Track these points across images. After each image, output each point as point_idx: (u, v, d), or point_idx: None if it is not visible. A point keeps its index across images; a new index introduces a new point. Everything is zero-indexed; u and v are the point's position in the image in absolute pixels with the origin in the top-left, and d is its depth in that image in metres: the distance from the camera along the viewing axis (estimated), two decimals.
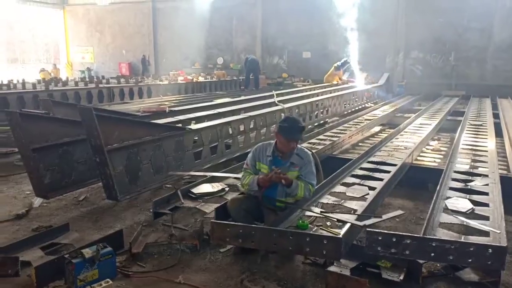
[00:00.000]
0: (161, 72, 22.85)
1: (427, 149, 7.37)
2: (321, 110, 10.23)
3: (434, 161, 6.50)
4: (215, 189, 4.68)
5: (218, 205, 4.08)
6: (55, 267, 3.19)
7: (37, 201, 4.88)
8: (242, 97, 11.53)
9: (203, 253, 3.74)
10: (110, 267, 3.23)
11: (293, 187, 3.68)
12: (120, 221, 4.46)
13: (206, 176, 5.06)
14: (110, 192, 4.23)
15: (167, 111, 7.80)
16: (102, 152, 4.00)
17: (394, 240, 3.02)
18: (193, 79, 18.34)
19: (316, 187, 4.02)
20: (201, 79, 18.81)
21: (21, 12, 26.38)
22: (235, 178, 4.98)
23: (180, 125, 6.14)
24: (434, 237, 3.13)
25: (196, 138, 5.91)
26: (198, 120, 6.93)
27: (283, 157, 3.81)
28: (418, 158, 6.55)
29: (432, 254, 2.96)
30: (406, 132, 8.22)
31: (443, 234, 3.47)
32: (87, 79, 16.81)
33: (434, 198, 4.01)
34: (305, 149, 4.03)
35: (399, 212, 4.71)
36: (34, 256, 3.48)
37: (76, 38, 28.26)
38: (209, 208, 4.25)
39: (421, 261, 3.18)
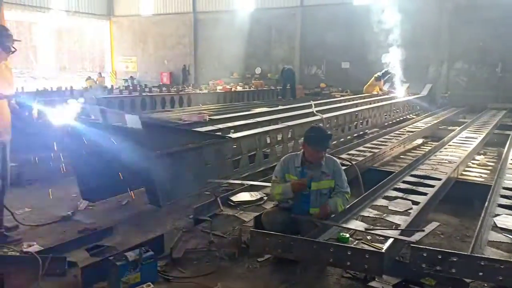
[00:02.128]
0: (200, 82, 23.32)
1: (472, 163, 7.09)
2: (361, 121, 10.08)
3: (481, 177, 6.25)
4: (254, 198, 4.69)
5: (257, 214, 4.08)
6: (99, 269, 3.30)
7: (83, 204, 5.07)
8: (280, 107, 11.56)
9: (241, 261, 3.75)
10: (151, 271, 3.30)
11: (334, 210, 3.71)
12: (161, 226, 4.55)
13: (244, 184, 5.09)
14: (152, 197, 4.34)
15: (207, 119, 7.94)
16: (147, 158, 4.11)
17: (440, 257, 2.91)
18: (231, 88, 18.59)
19: (357, 200, 3.96)
20: (239, 88, 19.03)
21: (70, 22, 27.77)
22: None
23: (219, 133, 6.23)
24: (483, 256, 2.99)
25: (235, 146, 5.97)
26: (237, 129, 7.00)
27: (313, 167, 3.77)
28: (464, 173, 6.30)
29: (480, 274, 2.82)
30: (450, 145, 7.94)
31: (492, 253, 3.31)
32: (131, 88, 17.41)
33: (482, 215, 3.83)
34: (332, 156, 4.01)
35: (436, 224, 4.58)
36: (80, 257, 3.61)
37: (120, 48, 29.39)
38: (248, 216, 4.27)
39: (468, 281, 3.04)
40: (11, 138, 4.27)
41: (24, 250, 3.80)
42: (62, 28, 27.98)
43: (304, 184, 3.69)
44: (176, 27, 26.83)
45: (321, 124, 7.97)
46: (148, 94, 14.66)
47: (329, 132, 3.88)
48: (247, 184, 5.08)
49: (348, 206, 4.02)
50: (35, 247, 3.86)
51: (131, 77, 26.94)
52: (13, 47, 4.11)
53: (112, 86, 19.99)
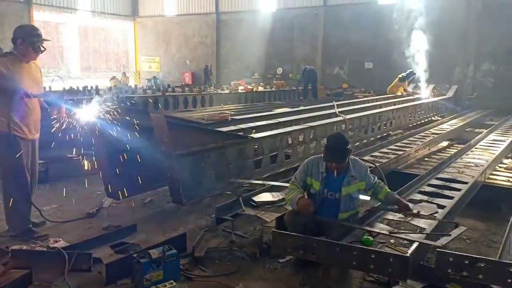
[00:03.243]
0: (222, 82, 23.42)
1: (500, 167, 6.89)
2: (384, 122, 9.93)
3: (508, 181, 6.05)
4: (276, 199, 4.70)
5: (279, 214, 4.07)
6: (123, 266, 3.35)
7: (107, 202, 5.16)
8: (301, 107, 11.49)
9: (262, 262, 3.75)
10: (174, 269, 3.33)
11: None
12: (183, 224, 4.59)
13: (265, 185, 5.09)
14: (175, 196, 4.39)
15: (229, 119, 7.96)
16: (171, 157, 4.16)
17: (467, 262, 2.85)
18: (253, 88, 18.61)
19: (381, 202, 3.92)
20: (260, 88, 19.04)
21: (96, 23, 28.36)
22: None
23: (241, 133, 6.24)
24: (511, 262, 2.90)
25: (256, 146, 5.97)
26: (259, 129, 6.99)
27: (338, 172, 3.66)
28: (491, 176, 6.13)
29: (509, 280, 2.75)
30: (477, 148, 7.74)
31: None
32: (154, 88, 17.67)
33: (511, 219, 3.73)
34: (355, 157, 3.95)
35: (463, 228, 4.48)
36: (105, 253, 3.68)
37: (144, 48, 29.83)
38: (269, 217, 4.27)
39: (495, 287, 2.96)
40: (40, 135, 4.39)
41: (51, 245, 3.89)
42: (88, 29, 28.61)
43: (310, 209, 3.57)
44: (199, 28, 27.04)
45: (345, 131, 7.87)
46: (171, 94, 14.83)
47: (346, 147, 3.63)
48: (268, 184, 5.09)
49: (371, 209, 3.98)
50: (61, 243, 3.95)
51: (154, 77, 27.29)
52: (42, 46, 4.22)
53: (136, 85, 20.30)
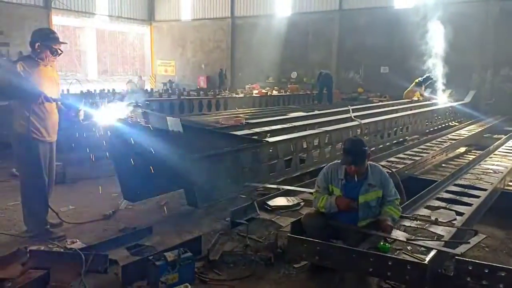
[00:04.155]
0: (236, 86, 23.49)
1: None
2: (400, 128, 9.83)
3: None
4: (291, 203, 4.68)
5: (294, 219, 4.05)
6: (139, 268, 3.37)
7: (123, 204, 5.20)
8: (316, 112, 11.46)
9: (277, 266, 3.73)
10: (189, 272, 3.33)
11: (393, 222, 3.60)
12: (198, 227, 4.59)
13: (280, 189, 5.07)
14: (190, 199, 4.40)
15: (243, 123, 7.98)
16: (187, 160, 4.18)
17: (487, 271, 2.80)
18: (267, 92, 18.62)
19: None
20: (274, 92, 19.05)
21: (113, 27, 28.78)
22: (310, 193, 4.93)
23: (256, 137, 6.25)
24: None
25: (271, 150, 5.97)
26: (273, 133, 6.99)
27: (358, 179, 3.60)
28: (510, 183, 6.01)
29: None
30: (495, 154, 7.59)
31: None
32: (170, 91, 17.83)
33: None
34: (376, 164, 3.87)
35: (482, 236, 4.39)
36: (121, 255, 3.70)
37: (160, 52, 30.11)
38: (284, 221, 4.26)
39: None
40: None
41: (68, 246, 3.93)
42: (105, 33, 29.05)
43: (352, 206, 3.56)
44: (214, 32, 27.21)
45: (361, 136, 7.81)
46: (186, 97, 14.94)
47: (362, 148, 3.58)
48: (283, 189, 5.07)
49: None
50: (78, 244, 3.99)
51: (169, 80, 27.51)
52: (60, 49, 4.28)
53: (151, 89, 20.49)
